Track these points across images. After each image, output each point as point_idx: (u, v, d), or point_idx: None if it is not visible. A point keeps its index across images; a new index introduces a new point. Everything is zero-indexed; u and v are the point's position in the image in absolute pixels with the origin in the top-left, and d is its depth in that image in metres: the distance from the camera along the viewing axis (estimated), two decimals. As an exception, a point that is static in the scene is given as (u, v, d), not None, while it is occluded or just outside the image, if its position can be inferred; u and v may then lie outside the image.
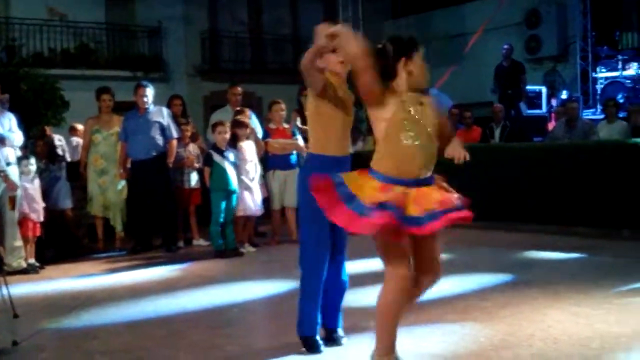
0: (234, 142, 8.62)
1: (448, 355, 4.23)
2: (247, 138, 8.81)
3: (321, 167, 4.06)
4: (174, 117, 9.24)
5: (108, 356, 4.58)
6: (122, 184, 9.11)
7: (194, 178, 9.37)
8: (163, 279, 7.28)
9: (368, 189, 3.61)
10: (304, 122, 9.60)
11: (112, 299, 6.31)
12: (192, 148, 9.46)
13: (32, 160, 7.99)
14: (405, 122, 3.67)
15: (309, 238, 4.29)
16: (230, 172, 8.41)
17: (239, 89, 9.80)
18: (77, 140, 10.85)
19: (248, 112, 9.17)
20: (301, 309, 4.34)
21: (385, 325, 3.72)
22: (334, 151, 4.23)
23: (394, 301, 3.69)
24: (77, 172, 9.27)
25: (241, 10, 19.98)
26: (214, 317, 5.52)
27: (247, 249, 8.72)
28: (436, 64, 18.41)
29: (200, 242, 9.31)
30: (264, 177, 9.03)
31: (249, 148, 8.79)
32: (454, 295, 5.83)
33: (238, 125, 8.73)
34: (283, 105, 9.17)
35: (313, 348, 4.32)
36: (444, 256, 7.71)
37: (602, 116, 11.79)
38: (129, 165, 9.00)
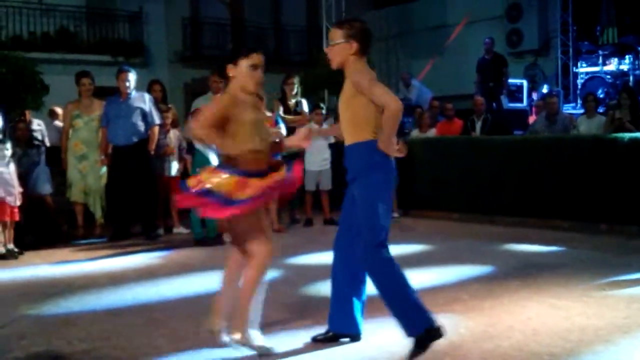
0: None
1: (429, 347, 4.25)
2: None
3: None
4: (155, 103, 9.18)
5: (87, 343, 4.55)
6: (103, 170, 9.05)
7: (174, 166, 9.32)
8: (143, 267, 7.24)
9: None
10: (286, 111, 9.64)
11: (92, 286, 6.28)
12: (173, 135, 9.41)
13: (8, 145, 7.81)
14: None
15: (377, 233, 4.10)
16: (213, 159, 8.37)
17: (221, 76, 9.71)
18: (59, 124, 10.76)
19: None
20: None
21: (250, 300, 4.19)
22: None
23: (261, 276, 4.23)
24: (58, 157, 9.19)
25: (223, -4, 19.82)
26: (193, 305, 5.51)
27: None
28: (417, 55, 18.55)
29: (180, 230, 9.28)
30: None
31: None
32: (434, 286, 5.87)
33: None
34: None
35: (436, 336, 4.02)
36: (424, 247, 7.86)
37: (582, 111, 11.85)
38: (110, 151, 8.94)
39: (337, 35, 4.21)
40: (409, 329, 3.99)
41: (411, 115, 12.77)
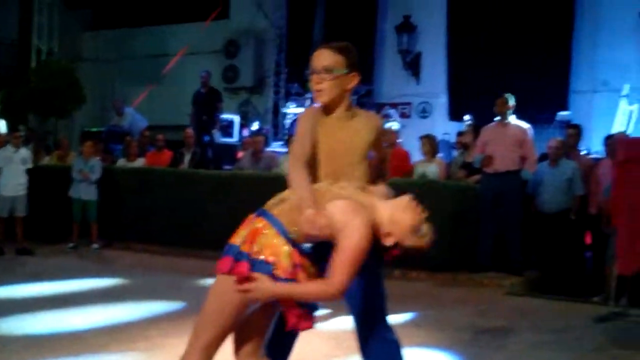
0: None
1: None
2: None
3: None
4: None
5: None
6: None
7: None
8: None
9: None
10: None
11: None
12: None
13: None
14: None
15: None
16: None
17: None
18: None
19: None
20: None
21: None
22: None
23: None
24: None
25: None
26: None
27: None
28: (135, 82, 18.24)
29: None
30: None
31: None
32: (120, 323, 5.73)
33: None
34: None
35: None
36: (123, 281, 7.64)
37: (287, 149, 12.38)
38: None
39: (337, 62, 3.24)
40: None
41: (122, 143, 12.53)
